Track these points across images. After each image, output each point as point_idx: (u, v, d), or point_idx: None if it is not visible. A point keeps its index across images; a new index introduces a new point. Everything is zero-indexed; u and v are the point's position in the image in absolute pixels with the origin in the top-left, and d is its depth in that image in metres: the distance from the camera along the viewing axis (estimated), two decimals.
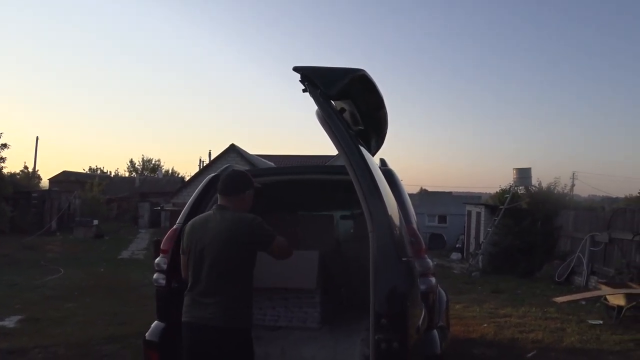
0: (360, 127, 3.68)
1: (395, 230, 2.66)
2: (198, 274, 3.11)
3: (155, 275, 3.80)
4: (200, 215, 3.38)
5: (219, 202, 3.27)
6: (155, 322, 3.82)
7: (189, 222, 3.35)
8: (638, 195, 30.96)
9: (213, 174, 4.18)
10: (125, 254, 20.18)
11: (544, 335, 7.47)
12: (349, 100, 3.16)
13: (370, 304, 2.57)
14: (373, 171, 2.68)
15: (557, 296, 10.88)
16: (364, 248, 5.03)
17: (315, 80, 2.73)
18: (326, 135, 2.72)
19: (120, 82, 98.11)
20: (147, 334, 3.74)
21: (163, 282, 3.75)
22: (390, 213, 2.65)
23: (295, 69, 2.76)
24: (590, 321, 8.42)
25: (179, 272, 3.71)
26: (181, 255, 3.33)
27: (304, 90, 2.79)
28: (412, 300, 2.73)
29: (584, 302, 10.00)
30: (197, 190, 4.04)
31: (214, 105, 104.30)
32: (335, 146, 2.70)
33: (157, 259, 3.83)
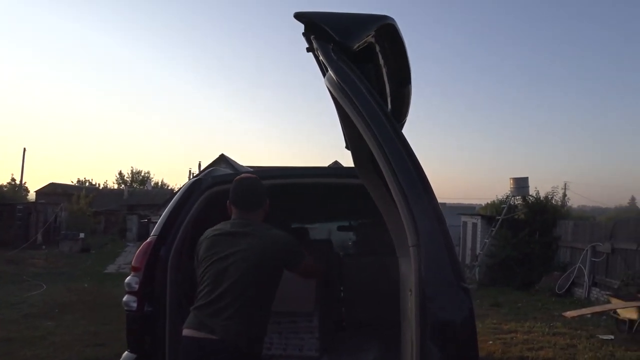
0: None
1: (451, 244, 1.92)
2: (214, 291, 2.72)
3: (125, 298, 3.24)
4: (221, 226, 2.95)
5: (237, 216, 2.92)
6: (126, 352, 3.26)
7: (208, 232, 2.95)
8: (628, 205, 30.83)
9: (195, 178, 3.66)
10: (111, 269, 19.61)
11: (555, 352, 7.01)
12: (369, 66, 2.35)
13: (414, 349, 1.85)
14: (417, 159, 1.90)
15: (559, 308, 10.57)
16: (366, 262, 4.63)
17: (327, 28, 1.96)
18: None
19: (109, 94, 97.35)
20: None
21: (134, 305, 3.18)
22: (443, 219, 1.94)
23: (298, 15, 2.02)
24: (600, 336, 7.99)
25: (153, 294, 3.19)
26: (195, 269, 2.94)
27: (308, 49, 2.06)
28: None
29: (589, 316, 9.58)
30: (176, 196, 3.50)
31: (205, 117, 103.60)
32: (359, 125, 1.94)
33: (128, 278, 3.29)
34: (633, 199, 54.33)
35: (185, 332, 2.74)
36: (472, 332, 1.77)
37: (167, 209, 3.47)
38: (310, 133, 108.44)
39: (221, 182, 3.57)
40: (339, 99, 2.00)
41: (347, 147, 3.11)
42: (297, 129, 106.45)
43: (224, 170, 4.11)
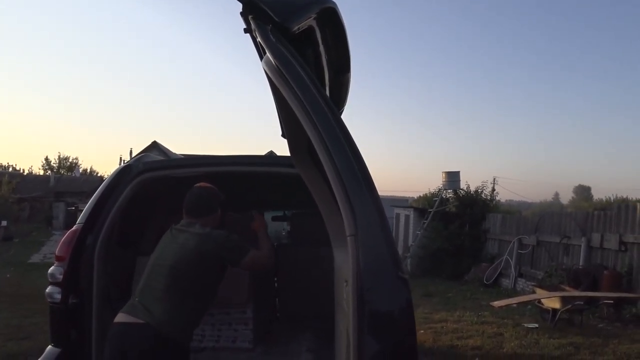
0: None
1: (390, 234, 1.86)
2: (152, 281, 2.87)
3: (48, 289, 3.08)
4: (172, 226, 3.09)
5: (186, 220, 3.06)
6: (49, 347, 3.10)
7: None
8: (552, 200, 32.20)
9: (125, 165, 3.48)
10: (36, 258, 18.83)
11: (483, 341, 7.21)
12: (308, 51, 2.25)
13: (351, 341, 1.79)
14: (357, 147, 1.83)
15: (487, 298, 10.87)
16: (301, 253, 4.58)
17: (266, 8, 1.88)
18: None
19: (36, 75, 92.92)
20: None
21: (58, 297, 3.03)
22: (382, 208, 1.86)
23: None
24: (526, 325, 8.29)
25: (78, 285, 3.05)
26: None
27: (246, 30, 1.96)
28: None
29: (515, 305, 9.92)
30: (104, 183, 3.33)
31: (137, 102, 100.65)
32: (298, 112, 1.87)
33: (51, 268, 3.12)
34: (557, 194, 56.89)
35: (116, 317, 2.79)
36: (410, 322, 1.75)
37: (94, 196, 3.31)
38: (245, 122, 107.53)
39: (152, 169, 3.44)
40: (276, 83, 1.92)
41: (283, 135, 3.04)
42: (232, 117, 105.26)
43: (156, 157, 3.94)
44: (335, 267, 2.70)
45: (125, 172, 3.37)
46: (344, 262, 2.28)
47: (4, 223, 24.91)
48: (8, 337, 7.16)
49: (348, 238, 1.76)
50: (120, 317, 2.76)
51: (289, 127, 2.47)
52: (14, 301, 10.02)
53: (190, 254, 2.85)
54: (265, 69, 2.00)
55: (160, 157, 4.08)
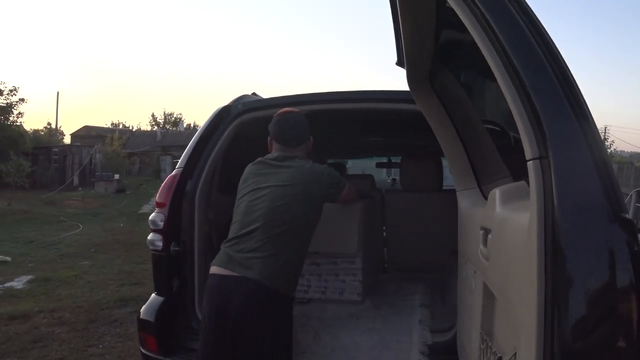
0: None
1: (605, 157, 1.18)
2: (243, 226, 2.52)
3: (150, 236, 2.94)
4: (260, 159, 2.74)
5: (278, 152, 2.71)
6: (153, 295, 3.00)
7: (249, 166, 2.75)
8: None
9: (223, 105, 3.26)
10: (146, 208, 19.77)
11: None
12: None
13: (531, 319, 1.11)
14: (542, 26, 1.19)
15: None
16: (411, 200, 4.27)
17: None
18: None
19: (143, 35, 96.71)
20: (142, 311, 2.93)
21: (160, 244, 2.89)
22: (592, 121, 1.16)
23: None
24: None
25: (179, 232, 2.91)
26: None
27: None
28: None
29: None
30: (203, 126, 3.14)
31: (238, 57, 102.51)
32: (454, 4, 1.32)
33: (152, 215, 2.99)
34: None
35: (212, 269, 2.53)
36: (636, 285, 1.04)
37: (192, 139, 3.10)
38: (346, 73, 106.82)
39: (252, 109, 3.20)
40: None
41: (398, 63, 2.68)
42: (337, 71, 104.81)
43: (255, 97, 3.70)
44: (460, 212, 2.37)
45: (225, 113, 3.16)
46: (474, 206, 1.96)
47: (117, 176, 26.42)
48: (121, 282, 7.48)
49: (530, 163, 1.14)
50: (214, 269, 2.52)
51: (411, 44, 2.00)
52: (127, 249, 10.52)
53: (292, 192, 2.53)
54: None
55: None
